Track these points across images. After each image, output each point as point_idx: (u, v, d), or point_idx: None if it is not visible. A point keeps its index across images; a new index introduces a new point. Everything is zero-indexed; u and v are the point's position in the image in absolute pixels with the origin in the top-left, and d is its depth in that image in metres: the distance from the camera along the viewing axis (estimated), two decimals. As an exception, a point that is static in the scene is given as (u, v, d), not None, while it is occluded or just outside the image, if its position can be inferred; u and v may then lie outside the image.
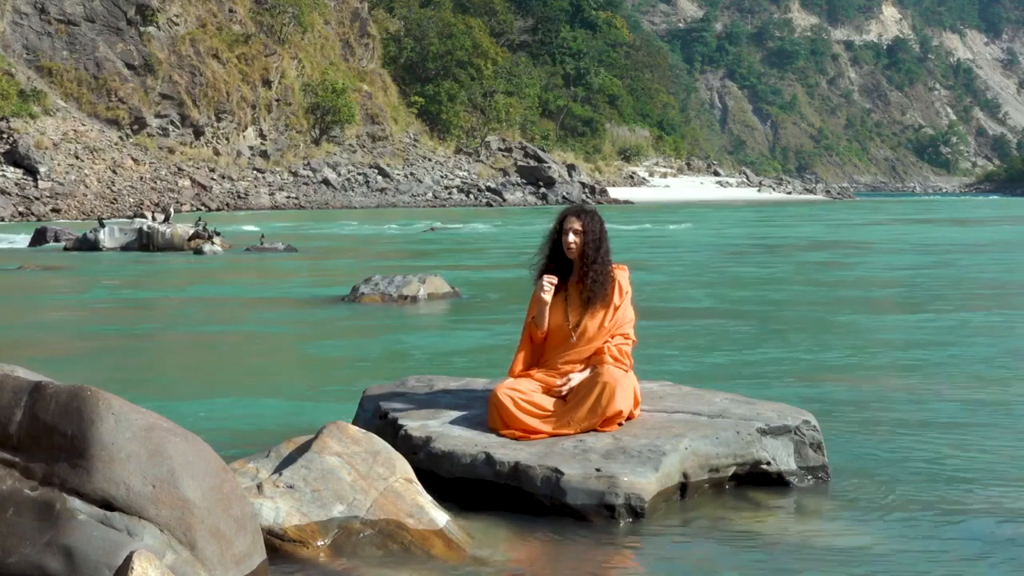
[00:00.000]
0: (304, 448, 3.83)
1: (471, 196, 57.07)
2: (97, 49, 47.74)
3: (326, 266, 17.76)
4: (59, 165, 41.01)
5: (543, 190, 59.36)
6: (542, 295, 4.63)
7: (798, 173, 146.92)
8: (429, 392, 5.02)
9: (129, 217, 34.65)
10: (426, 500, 3.75)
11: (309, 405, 6.39)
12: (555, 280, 4.63)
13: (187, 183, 46.07)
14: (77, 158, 42.39)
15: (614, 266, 4.70)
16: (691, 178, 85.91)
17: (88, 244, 20.79)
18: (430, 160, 63.44)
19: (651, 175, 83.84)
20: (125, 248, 20.71)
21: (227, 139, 52.00)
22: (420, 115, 67.93)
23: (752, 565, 3.61)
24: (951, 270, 16.82)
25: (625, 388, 4.46)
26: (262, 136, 54.47)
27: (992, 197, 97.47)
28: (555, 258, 4.71)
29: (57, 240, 22.51)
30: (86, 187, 41.02)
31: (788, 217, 42.10)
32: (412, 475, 3.84)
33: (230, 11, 56.46)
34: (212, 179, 47.89)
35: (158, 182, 44.62)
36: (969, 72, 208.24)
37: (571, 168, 66.49)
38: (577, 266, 4.68)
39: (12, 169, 39.63)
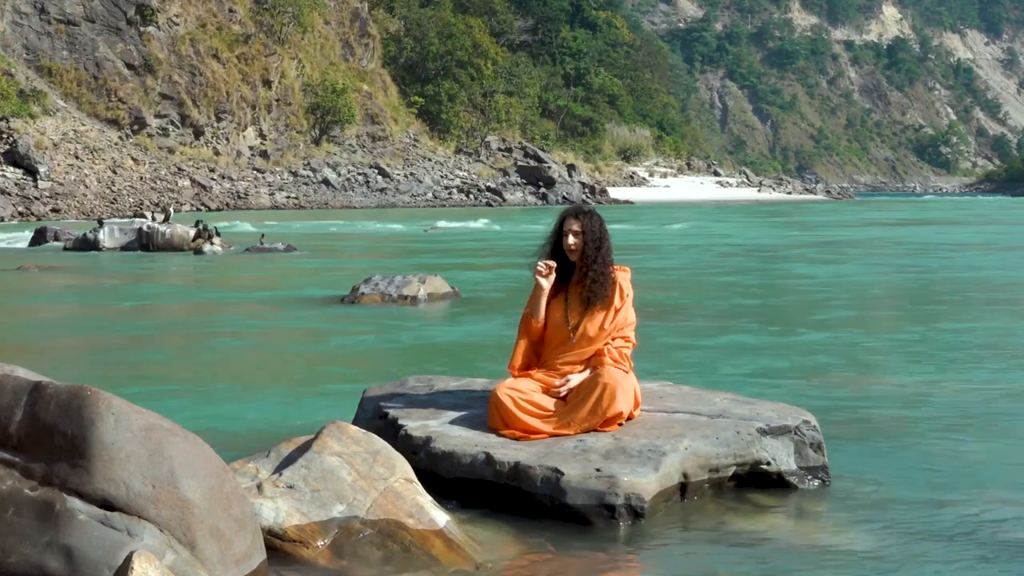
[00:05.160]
0: (304, 448, 3.82)
1: (471, 196, 57.02)
2: (97, 49, 47.71)
3: (326, 266, 17.74)
4: (59, 165, 40.98)
5: (543, 190, 59.31)
6: (539, 279, 4.62)
7: (798, 173, 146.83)
8: (429, 392, 5.01)
9: (129, 217, 34.64)
10: (426, 500, 3.74)
11: (309, 405, 6.39)
12: (553, 264, 4.61)
13: (187, 183, 46.04)
14: (77, 158, 42.36)
15: (616, 267, 4.68)
16: (691, 178, 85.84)
17: (88, 244, 20.78)
18: (430, 160, 63.37)
19: (651, 175, 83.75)
20: (125, 248, 20.70)
21: (227, 139, 51.98)
22: (420, 115, 67.88)
23: (752, 565, 3.61)
24: (951, 271, 16.81)
25: (625, 389, 4.45)
26: (262, 136, 54.45)
27: (991, 197, 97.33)
28: (556, 260, 4.69)
29: (57, 240, 22.50)
30: (86, 187, 40.98)
31: (788, 217, 42.08)
32: (412, 475, 3.84)
33: (230, 11, 56.42)
34: (212, 179, 47.86)
35: (158, 182, 44.59)
36: (969, 72, 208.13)
37: (571, 168, 66.39)
38: (578, 267, 4.67)
39: (12, 169, 39.59)
